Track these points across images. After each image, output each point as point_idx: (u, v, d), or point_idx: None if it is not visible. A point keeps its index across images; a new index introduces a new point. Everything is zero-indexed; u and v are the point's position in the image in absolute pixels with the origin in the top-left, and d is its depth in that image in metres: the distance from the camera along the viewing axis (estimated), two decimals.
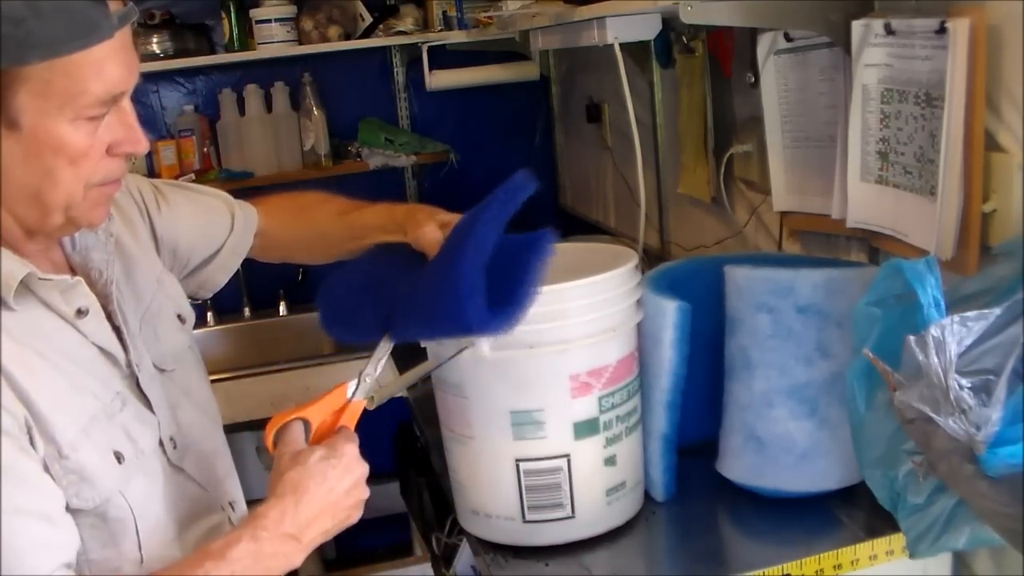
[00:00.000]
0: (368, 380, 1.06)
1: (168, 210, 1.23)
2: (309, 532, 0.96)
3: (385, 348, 1.09)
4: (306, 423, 1.03)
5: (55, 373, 0.92)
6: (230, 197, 1.33)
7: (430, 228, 1.14)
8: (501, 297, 1.03)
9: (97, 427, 0.94)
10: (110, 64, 0.87)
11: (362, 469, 1.00)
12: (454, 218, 1.15)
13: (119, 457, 0.96)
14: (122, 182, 1.00)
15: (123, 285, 1.08)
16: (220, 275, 1.32)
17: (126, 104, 0.92)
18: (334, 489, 0.97)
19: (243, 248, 1.32)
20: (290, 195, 1.40)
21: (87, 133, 0.89)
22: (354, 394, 1.06)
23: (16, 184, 0.89)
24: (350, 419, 1.05)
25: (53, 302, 0.95)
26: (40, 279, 0.93)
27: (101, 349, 0.99)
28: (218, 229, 1.29)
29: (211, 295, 1.35)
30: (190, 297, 1.25)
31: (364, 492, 1.01)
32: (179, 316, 1.17)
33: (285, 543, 0.93)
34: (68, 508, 0.92)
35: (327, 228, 1.31)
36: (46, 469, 0.90)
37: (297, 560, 0.95)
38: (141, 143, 0.94)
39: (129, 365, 1.03)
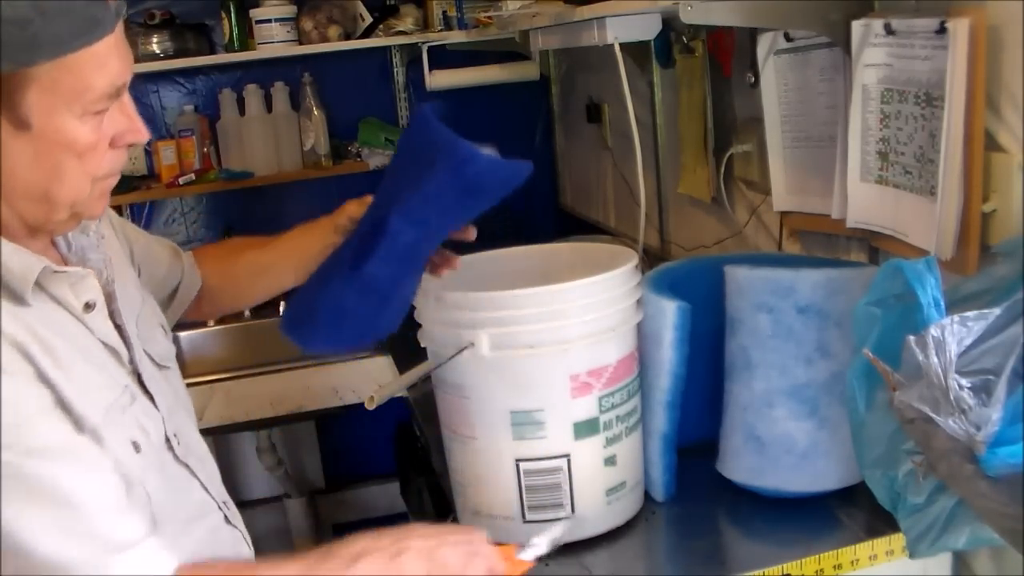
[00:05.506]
0: (536, 549, 1.04)
1: (142, 243, 1.27)
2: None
3: None
4: None
5: (73, 364, 0.93)
6: (172, 243, 1.38)
7: (350, 203, 1.16)
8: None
9: (115, 418, 0.95)
10: (111, 58, 0.89)
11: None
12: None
13: (136, 447, 0.97)
14: None
15: (118, 287, 1.09)
16: (171, 317, 1.34)
17: (126, 96, 0.94)
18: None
19: (193, 289, 1.35)
20: (214, 245, 1.46)
21: (93, 127, 0.91)
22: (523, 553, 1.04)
23: (23, 183, 0.90)
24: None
25: (62, 296, 0.96)
26: (54, 272, 0.94)
27: (105, 345, 1.00)
28: (175, 271, 1.33)
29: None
30: None
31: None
32: (161, 326, 1.19)
33: None
34: None
35: (266, 259, 1.34)
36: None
37: None
38: (142, 132, 0.96)
39: (132, 362, 1.04)
